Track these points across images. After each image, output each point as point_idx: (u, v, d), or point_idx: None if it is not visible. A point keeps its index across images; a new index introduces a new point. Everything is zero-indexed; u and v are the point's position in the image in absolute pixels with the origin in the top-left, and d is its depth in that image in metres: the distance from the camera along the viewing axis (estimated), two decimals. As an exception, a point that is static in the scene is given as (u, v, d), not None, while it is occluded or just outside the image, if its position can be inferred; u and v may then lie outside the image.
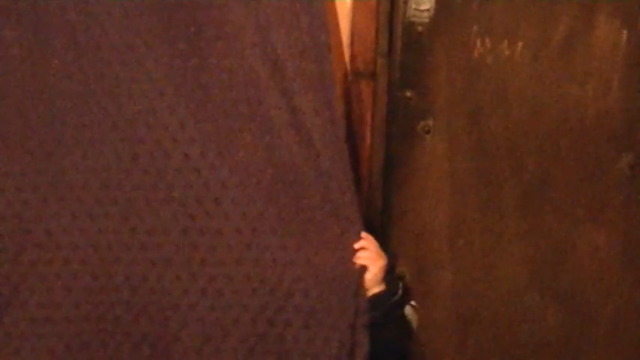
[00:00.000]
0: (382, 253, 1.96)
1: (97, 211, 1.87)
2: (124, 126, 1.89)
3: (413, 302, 1.99)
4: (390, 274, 1.96)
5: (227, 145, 1.90)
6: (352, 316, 1.85)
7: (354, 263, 1.91)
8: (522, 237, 2.32)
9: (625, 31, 2.24)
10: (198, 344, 1.86)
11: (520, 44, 2.26)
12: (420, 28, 2.25)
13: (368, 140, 2.32)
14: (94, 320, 1.86)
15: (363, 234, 1.95)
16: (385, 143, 2.32)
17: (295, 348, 1.85)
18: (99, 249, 1.87)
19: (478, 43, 2.27)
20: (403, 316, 1.96)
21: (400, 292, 1.95)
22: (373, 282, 1.92)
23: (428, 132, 2.33)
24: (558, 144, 2.29)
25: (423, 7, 2.23)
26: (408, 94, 2.32)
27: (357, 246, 1.93)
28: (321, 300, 1.87)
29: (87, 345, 1.85)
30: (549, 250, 2.32)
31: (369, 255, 1.93)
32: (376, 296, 1.91)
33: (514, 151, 2.30)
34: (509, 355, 2.37)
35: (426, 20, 2.25)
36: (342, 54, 2.24)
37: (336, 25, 2.19)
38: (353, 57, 2.28)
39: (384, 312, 1.91)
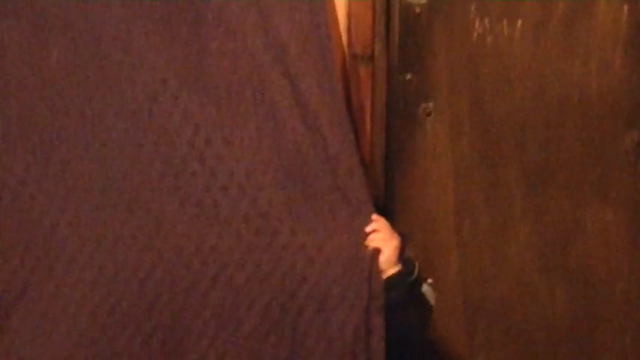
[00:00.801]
0: (395, 234, 1.95)
1: (103, 203, 1.85)
2: (126, 116, 1.86)
3: (429, 280, 1.97)
4: (402, 255, 1.94)
5: (232, 132, 1.88)
6: (366, 300, 1.83)
7: (367, 246, 1.90)
8: (528, 218, 2.31)
9: (626, 7, 2.23)
10: (212, 333, 1.84)
11: (520, 23, 2.24)
12: (417, 10, 2.23)
13: (368, 125, 2.30)
14: (103, 314, 1.84)
15: (374, 216, 1.94)
16: (386, 128, 2.30)
17: (309, 333, 1.83)
18: (105, 241, 1.85)
19: (477, 23, 2.25)
20: (421, 295, 1.94)
21: (416, 271, 1.93)
22: (388, 264, 1.90)
23: (429, 115, 2.31)
24: (562, 122, 2.28)
25: (419, -12, 2.22)
26: (408, 76, 2.30)
27: (368, 229, 1.92)
28: (334, 284, 1.85)
29: (97, 339, 1.84)
30: (556, 230, 2.32)
31: (381, 237, 1.92)
32: (392, 278, 1.90)
33: (517, 131, 2.29)
34: (519, 338, 2.37)
35: (424, 1, 2.23)
36: (339, 37, 2.22)
37: (333, 8, 2.17)
38: (350, 40, 2.26)
39: (401, 293, 1.89)
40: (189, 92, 1.87)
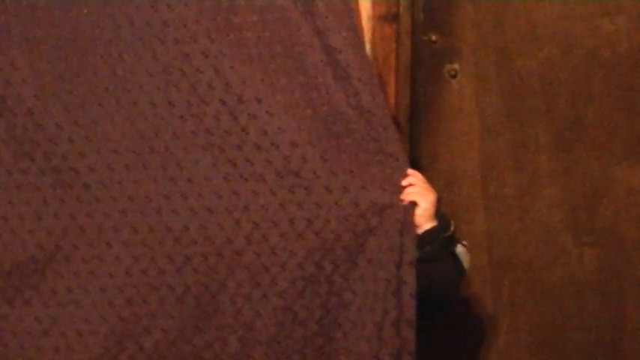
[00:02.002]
0: (431, 188, 1.94)
1: (135, 161, 1.88)
2: (158, 73, 1.89)
3: (464, 242, 1.97)
4: (438, 211, 1.94)
5: (263, 89, 1.90)
6: (398, 253, 1.84)
7: (402, 200, 1.90)
8: (556, 178, 2.32)
9: (656, -37, 2.21)
10: (246, 291, 1.87)
11: (547, -21, 2.24)
12: (442, -31, 2.24)
13: (393, 86, 2.31)
14: (136, 274, 1.87)
15: (410, 170, 1.93)
16: (410, 88, 2.31)
17: (344, 288, 1.85)
18: (138, 200, 1.88)
19: (503, -19, 2.26)
20: (455, 254, 1.94)
21: (452, 228, 1.93)
22: (425, 217, 1.89)
23: (454, 76, 2.32)
24: (591, 80, 2.28)
25: (444, -54, 2.22)
26: (433, 37, 2.31)
27: (404, 182, 1.91)
28: (368, 239, 1.86)
29: (131, 299, 1.86)
30: (584, 190, 2.32)
31: (418, 190, 1.90)
32: (428, 232, 1.89)
33: (545, 89, 2.29)
34: (546, 299, 2.38)
35: (448, -40, 2.24)
36: (363, -3, 2.23)
37: (357, -33, 2.18)
38: (375, 0, 2.26)
39: (437, 248, 1.89)
40: (219, 49, 1.89)
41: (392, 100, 2.30)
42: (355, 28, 1.97)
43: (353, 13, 1.99)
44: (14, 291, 1.87)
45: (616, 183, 2.31)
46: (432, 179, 2.26)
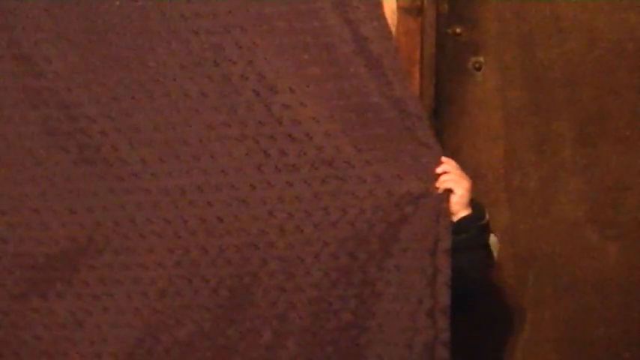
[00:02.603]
0: (465, 175, 1.94)
1: (167, 153, 1.89)
2: (190, 64, 1.90)
3: (496, 233, 1.98)
4: (472, 200, 1.94)
5: (296, 79, 1.90)
6: (433, 242, 1.85)
7: (436, 188, 1.90)
8: (580, 171, 2.32)
9: (681, -45, 2.22)
10: (280, 282, 1.87)
11: (571, -29, 2.25)
12: (466, -38, 2.24)
13: (417, 79, 2.31)
14: (169, 266, 1.88)
15: (444, 158, 1.94)
16: (435, 81, 2.31)
17: (379, 277, 1.86)
18: (171, 192, 1.88)
19: (527, -27, 2.26)
20: (487, 245, 1.95)
21: (487, 216, 1.94)
22: (460, 205, 1.90)
23: (479, 69, 2.32)
24: (615, 73, 2.29)
25: (468, -61, 2.22)
26: (458, 29, 2.31)
27: (439, 170, 1.91)
28: (403, 227, 1.87)
29: (164, 292, 1.87)
30: (608, 183, 2.33)
31: (453, 177, 1.91)
32: (464, 220, 1.90)
33: (569, 82, 2.30)
34: (570, 293, 2.39)
35: (473, -47, 2.24)
36: (388, -10, 2.23)
37: (382, -41, 2.18)
38: (399, -7, 2.27)
39: (472, 236, 1.90)
40: (252, 39, 1.89)
41: (416, 93, 2.29)
42: (384, 20, 1.97)
43: (380, 5, 1.99)
44: (47, 284, 1.87)
45: (639, 176, 2.32)
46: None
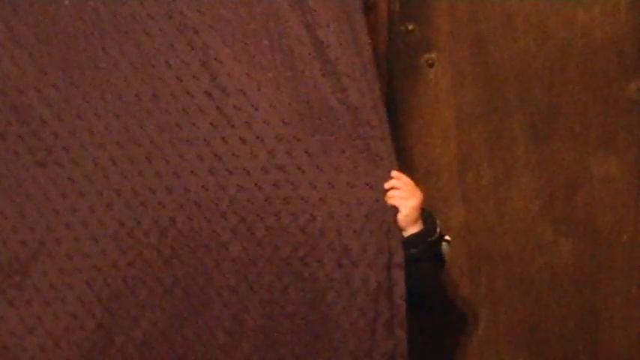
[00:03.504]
0: (416, 191, 1.97)
1: (120, 155, 1.88)
2: (142, 65, 1.89)
3: (447, 237, 2.01)
4: (424, 213, 1.97)
5: (249, 82, 1.91)
6: (387, 255, 1.88)
7: (385, 202, 1.93)
8: (533, 168, 2.35)
9: (631, -48, 2.26)
10: (233, 284, 1.88)
11: (521, -32, 2.28)
12: (417, -42, 2.26)
13: (369, 76, 2.32)
14: (123, 267, 1.88)
15: (394, 173, 1.96)
16: (387, 78, 2.33)
17: (330, 286, 1.88)
18: (124, 194, 1.88)
19: (479, -30, 2.29)
20: (439, 256, 1.98)
21: (438, 230, 1.97)
22: (407, 222, 1.93)
23: (431, 65, 2.35)
24: (566, 70, 2.32)
25: None
26: (410, 26, 2.33)
27: (387, 186, 1.94)
28: (354, 238, 1.89)
29: (118, 293, 1.87)
30: (560, 180, 2.36)
31: (400, 194, 1.93)
32: (413, 236, 1.93)
33: (521, 79, 2.33)
34: (524, 289, 2.42)
35: (424, -51, 2.26)
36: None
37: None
38: (351, -10, 2.28)
39: (421, 250, 1.93)
40: (205, 40, 1.90)
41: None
42: (350, 21, 1.97)
43: (350, 3, 1.99)
44: None
45: (591, 172, 2.36)
46: (409, 170, 2.29)
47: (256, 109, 1.90)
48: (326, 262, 1.88)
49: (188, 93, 1.90)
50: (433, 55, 2.33)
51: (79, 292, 1.87)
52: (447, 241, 2.00)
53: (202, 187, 1.89)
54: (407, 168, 2.33)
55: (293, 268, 1.89)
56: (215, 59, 1.90)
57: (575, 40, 2.32)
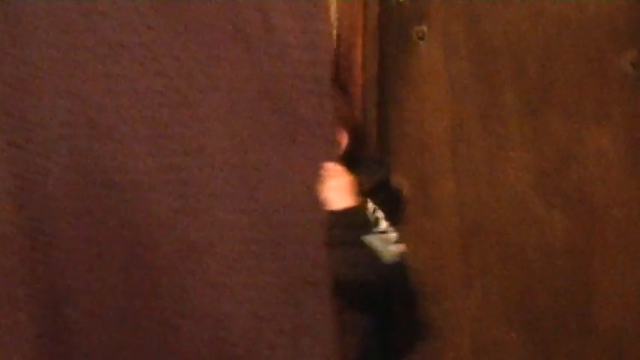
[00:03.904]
0: (339, 187, 1.97)
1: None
2: (88, 62, 1.91)
3: (391, 236, 2.00)
4: (383, 189, 1.98)
5: (209, 63, 1.92)
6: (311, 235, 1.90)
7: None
8: (525, 141, 2.36)
9: None
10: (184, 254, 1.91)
11: (516, -59, 2.28)
12: None
13: (360, 49, 2.34)
14: None
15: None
16: (379, 51, 2.34)
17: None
18: None
19: (472, -58, 2.30)
20: (361, 244, 1.97)
21: (363, 218, 1.98)
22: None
23: (422, 38, 2.35)
24: (560, 44, 2.32)
25: None
26: (401, -2, 2.34)
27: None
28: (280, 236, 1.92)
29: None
30: (553, 153, 2.36)
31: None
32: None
33: (514, 52, 2.33)
34: (516, 263, 2.42)
35: None
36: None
37: None
38: (341, -38, 2.29)
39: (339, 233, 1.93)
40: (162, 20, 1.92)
41: (360, 63, 2.32)
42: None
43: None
44: None
45: (584, 146, 2.36)
46: (400, 143, 2.31)
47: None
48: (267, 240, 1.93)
49: (144, 75, 1.90)
50: (424, 28, 2.34)
51: None
52: (383, 232, 2.00)
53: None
54: (398, 140, 2.35)
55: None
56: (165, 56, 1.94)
57: (569, 13, 2.32)
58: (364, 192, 2.03)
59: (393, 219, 2.07)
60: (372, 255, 1.98)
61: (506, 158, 2.38)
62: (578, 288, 2.41)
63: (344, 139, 2.08)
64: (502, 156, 2.38)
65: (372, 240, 1.98)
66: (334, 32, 2.33)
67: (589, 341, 2.43)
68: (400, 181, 2.37)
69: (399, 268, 2.02)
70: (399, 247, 2.01)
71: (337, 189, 1.93)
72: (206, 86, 1.91)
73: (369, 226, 1.99)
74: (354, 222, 1.97)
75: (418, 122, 2.39)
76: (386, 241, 2.00)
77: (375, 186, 2.09)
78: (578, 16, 2.32)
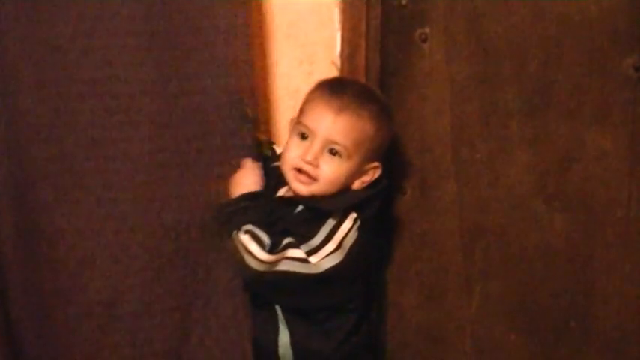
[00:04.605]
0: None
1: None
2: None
3: (261, 239, 2.02)
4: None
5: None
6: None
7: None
8: (527, 143, 2.37)
9: None
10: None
11: (517, -59, 2.28)
12: None
13: (363, 52, 2.35)
14: None
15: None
16: (381, 54, 2.35)
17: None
18: None
19: (473, -58, 2.30)
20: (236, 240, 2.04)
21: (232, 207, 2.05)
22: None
23: (425, 41, 2.36)
24: (561, 46, 2.32)
25: None
26: (403, 1, 2.34)
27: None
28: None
29: None
30: (555, 155, 2.37)
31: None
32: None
33: (515, 54, 2.33)
34: (517, 264, 2.44)
35: None
36: (332, -40, 2.27)
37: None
38: (343, -36, 2.30)
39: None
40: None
41: (362, 66, 2.33)
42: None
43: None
44: None
45: (586, 147, 2.36)
46: (403, 145, 2.32)
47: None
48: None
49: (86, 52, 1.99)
50: (427, 30, 2.35)
51: None
52: (247, 232, 2.02)
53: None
54: (400, 143, 2.36)
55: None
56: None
57: (570, 15, 2.32)
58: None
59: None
60: (237, 255, 2.04)
61: (508, 159, 2.39)
62: (578, 288, 2.43)
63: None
64: (503, 157, 2.39)
65: (241, 238, 2.02)
66: (337, 35, 2.35)
67: (589, 341, 2.45)
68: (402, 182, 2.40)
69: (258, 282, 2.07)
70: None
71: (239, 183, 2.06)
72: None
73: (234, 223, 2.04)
74: (225, 216, 2.05)
75: (420, 124, 2.40)
76: (248, 238, 2.02)
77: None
78: (579, 18, 2.32)
